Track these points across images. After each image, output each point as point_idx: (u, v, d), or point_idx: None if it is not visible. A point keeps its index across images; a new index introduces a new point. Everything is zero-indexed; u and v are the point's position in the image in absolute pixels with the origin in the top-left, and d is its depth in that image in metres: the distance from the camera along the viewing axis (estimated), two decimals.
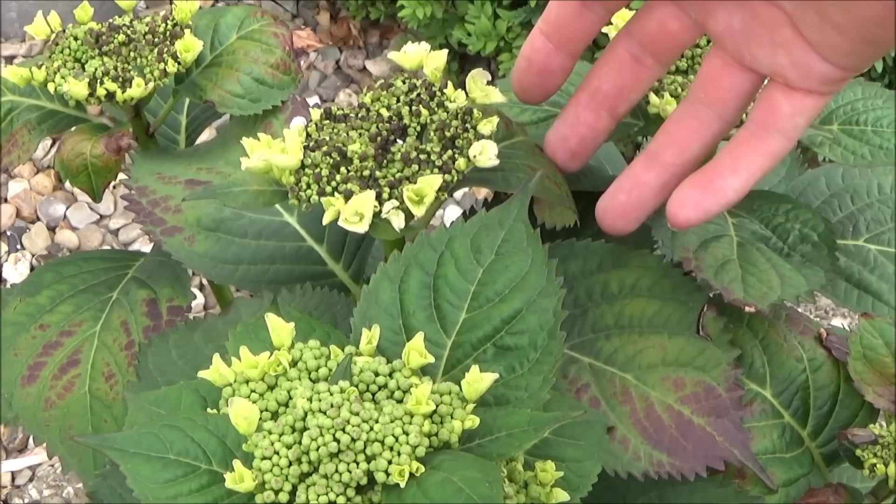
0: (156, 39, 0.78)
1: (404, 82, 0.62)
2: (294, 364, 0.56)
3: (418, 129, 0.60)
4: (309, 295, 0.68)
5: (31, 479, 1.44)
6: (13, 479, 1.44)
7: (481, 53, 1.71)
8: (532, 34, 0.62)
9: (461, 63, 1.91)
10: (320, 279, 0.73)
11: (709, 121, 0.61)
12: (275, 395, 0.54)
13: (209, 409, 0.57)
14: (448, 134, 0.60)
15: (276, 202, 0.61)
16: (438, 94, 0.61)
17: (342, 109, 0.61)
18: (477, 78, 0.61)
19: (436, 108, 0.61)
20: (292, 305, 0.66)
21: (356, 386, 0.54)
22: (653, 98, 0.69)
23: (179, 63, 0.78)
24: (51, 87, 0.77)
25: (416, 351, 0.55)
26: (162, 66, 0.77)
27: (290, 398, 0.54)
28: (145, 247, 1.71)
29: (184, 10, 0.79)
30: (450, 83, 0.61)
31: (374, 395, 0.54)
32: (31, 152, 0.81)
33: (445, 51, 0.63)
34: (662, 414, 0.66)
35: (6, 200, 1.75)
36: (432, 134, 0.60)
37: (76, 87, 0.75)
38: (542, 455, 0.60)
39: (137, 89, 0.76)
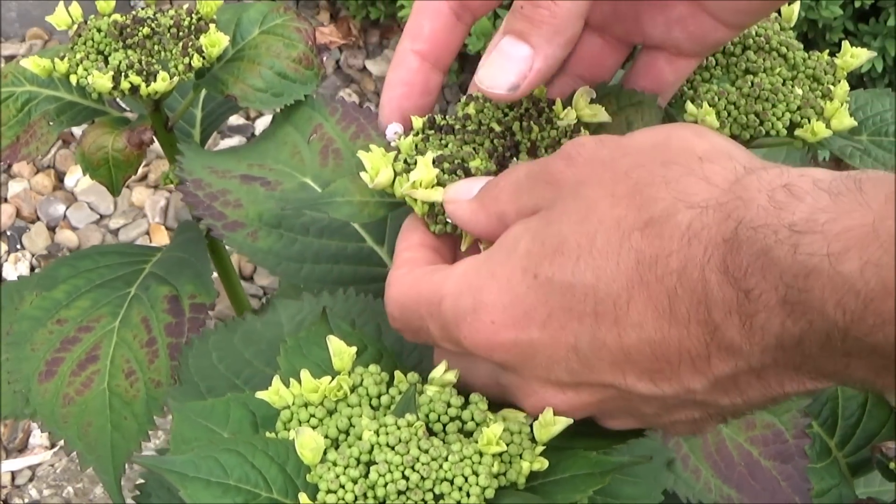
0: (180, 33, 0.78)
1: None
2: (353, 389, 0.55)
3: (528, 144, 0.59)
4: (353, 300, 0.66)
5: (31, 479, 1.43)
6: (13, 479, 1.43)
7: (481, 53, 1.70)
8: (403, 57, 0.60)
9: (461, 63, 1.91)
10: (381, 280, 0.71)
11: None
12: (335, 422, 0.53)
13: (259, 427, 0.56)
14: None
15: (381, 215, 0.59)
16: (546, 109, 0.60)
17: (446, 120, 0.59)
18: (584, 95, 0.60)
19: (544, 125, 0.59)
20: (334, 310, 0.64)
21: (427, 416, 0.52)
22: (689, 107, 0.69)
23: (204, 58, 0.77)
24: (73, 79, 0.76)
25: None
26: (186, 60, 0.77)
27: (352, 425, 0.52)
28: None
29: (209, 5, 0.78)
30: (558, 100, 0.60)
31: (444, 426, 0.52)
32: (50, 144, 0.80)
33: None
34: (733, 451, 0.66)
35: (6, 200, 1.74)
36: (544, 152, 0.59)
37: (100, 80, 0.74)
38: (599, 491, 0.59)
39: (162, 83, 0.75)
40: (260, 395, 0.55)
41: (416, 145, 0.59)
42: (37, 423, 0.75)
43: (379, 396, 0.54)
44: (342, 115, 0.79)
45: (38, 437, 1.47)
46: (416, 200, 0.57)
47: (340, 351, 0.55)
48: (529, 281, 0.48)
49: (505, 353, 0.49)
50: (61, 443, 0.73)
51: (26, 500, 1.41)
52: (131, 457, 0.74)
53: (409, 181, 0.57)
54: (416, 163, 0.58)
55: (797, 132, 0.68)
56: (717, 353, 0.44)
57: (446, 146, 0.58)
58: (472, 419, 0.52)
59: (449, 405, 0.53)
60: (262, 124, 1.87)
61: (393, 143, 0.60)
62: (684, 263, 0.43)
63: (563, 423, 0.51)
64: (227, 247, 0.92)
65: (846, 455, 0.74)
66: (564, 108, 0.59)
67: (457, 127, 0.59)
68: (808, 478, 0.65)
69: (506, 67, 0.56)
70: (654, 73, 0.61)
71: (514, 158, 0.58)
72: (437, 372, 0.55)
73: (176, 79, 0.76)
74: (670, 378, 0.46)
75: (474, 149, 0.58)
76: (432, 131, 0.59)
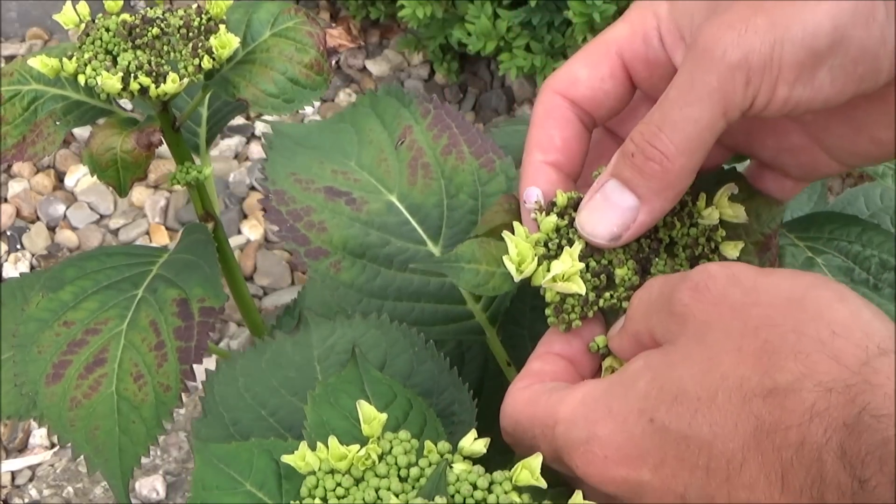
0: (190, 34, 0.77)
1: None
2: (382, 457, 0.53)
3: (667, 240, 0.57)
4: (385, 327, 0.64)
5: (31, 479, 1.42)
6: (13, 479, 1.42)
7: (481, 53, 1.70)
8: (537, 170, 0.57)
9: (461, 63, 1.90)
10: (461, 320, 0.68)
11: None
12: (363, 493, 0.51)
13: (283, 479, 0.54)
14: (696, 253, 0.56)
15: (507, 288, 0.56)
16: (689, 204, 0.57)
17: None
18: (727, 192, 0.57)
19: (686, 220, 0.57)
20: (366, 339, 0.62)
21: (452, 496, 0.50)
22: None
23: (214, 59, 0.76)
24: (81, 79, 0.75)
25: (529, 470, 0.52)
26: (196, 61, 0.76)
27: (379, 498, 0.51)
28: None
29: (218, 5, 0.78)
30: (702, 196, 0.57)
31: None
32: (57, 144, 0.79)
33: None
34: None
35: (6, 200, 1.73)
36: (682, 251, 0.57)
37: (110, 81, 0.73)
38: None
39: (172, 85, 0.74)
40: (286, 459, 0.53)
41: (559, 228, 0.56)
42: (44, 426, 0.74)
43: (408, 467, 0.52)
44: (434, 119, 0.72)
45: (38, 437, 1.46)
46: (551, 292, 0.55)
47: (370, 417, 0.53)
48: (645, 424, 0.47)
49: (615, 488, 0.49)
50: (61, 443, 0.72)
51: (26, 500, 1.40)
52: (139, 461, 0.73)
53: (551, 273, 0.54)
54: (557, 247, 0.55)
55: None
56: None
57: (571, 227, 0.56)
58: (498, 503, 0.51)
59: (475, 487, 0.51)
60: (262, 125, 1.86)
61: (532, 215, 0.57)
62: (802, 439, 0.43)
63: None
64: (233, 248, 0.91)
65: None
66: (707, 205, 0.57)
67: None
68: None
69: (608, 216, 0.54)
70: (759, 186, 0.60)
71: (655, 258, 0.56)
72: (467, 441, 0.54)
73: (186, 80, 0.75)
74: None
75: (625, 251, 0.56)
76: (575, 212, 0.56)
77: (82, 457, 0.75)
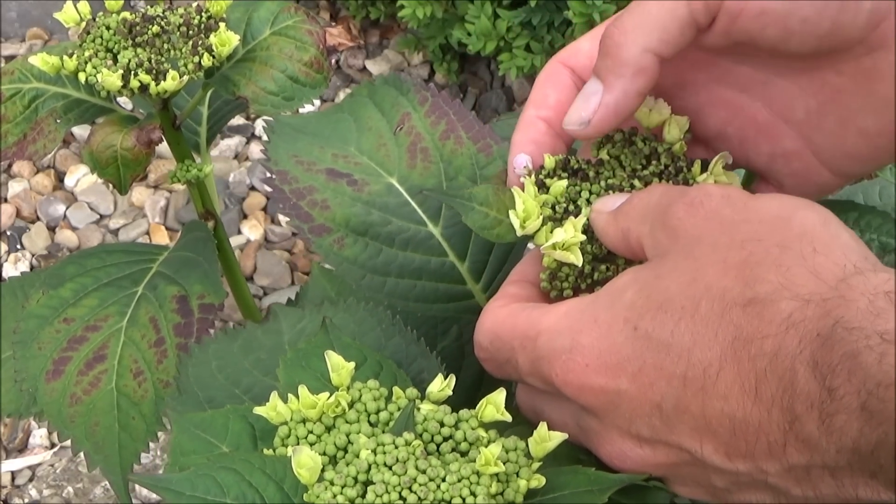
0: (190, 32, 0.77)
1: (645, 143, 0.59)
2: (352, 405, 0.54)
3: None
4: (354, 309, 0.65)
5: (31, 479, 1.42)
6: (13, 479, 1.43)
7: (481, 53, 1.70)
8: (530, 122, 0.59)
9: (461, 63, 1.91)
10: (460, 299, 0.70)
11: None
12: (333, 439, 0.52)
13: (258, 440, 0.56)
14: None
15: (510, 239, 0.58)
16: (685, 169, 0.58)
17: (578, 161, 0.58)
18: (722, 161, 0.58)
19: (679, 185, 0.57)
20: (335, 320, 0.63)
21: (420, 436, 0.52)
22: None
23: (214, 57, 0.77)
24: (81, 76, 0.75)
25: (494, 406, 0.53)
26: (196, 59, 0.76)
27: (350, 442, 0.52)
28: None
29: (218, 4, 0.78)
30: (697, 161, 0.58)
31: (438, 446, 0.52)
32: (57, 142, 0.80)
33: (686, 117, 0.59)
34: None
35: (6, 200, 1.74)
36: None
37: (110, 79, 0.73)
38: None
39: (172, 82, 0.75)
40: (258, 410, 0.54)
41: (569, 192, 0.57)
42: (42, 423, 0.74)
43: (377, 412, 0.54)
44: (431, 106, 0.74)
45: (38, 437, 1.46)
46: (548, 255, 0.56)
47: (339, 366, 0.54)
48: (628, 332, 0.48)
49: (592, 398, 0.50)
50: (62, 443, 0.72)
51: (26, 500, 1.40)
52: (139, 457, 0.74)
53: (552, 240, 0.55)
54: (564, 211, 0.57)
55: None
56: (794, 443, 0.45)
57: (580, 193, 0.57)
58: (465, 439, 0.52)
59: (442, 424, 0.52)
60: (263, 123, 1.86)
61: (521, 179, 0.58)
62: (777, 349, 0.44)
63: (558, 438, 0.52)
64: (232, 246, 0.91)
65: None
66: (702, 171, 0.58)
67: (591, 174, 0.58)
68: None
69: (579, 103, 0.56)
70: None
71: None
72: (435, 387, 0.55)
73: (186, 78, 0.76)
74: (745, 456, 0.46)
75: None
76: (565, 174, 0.58)
77: (82, 456, 0.75)
